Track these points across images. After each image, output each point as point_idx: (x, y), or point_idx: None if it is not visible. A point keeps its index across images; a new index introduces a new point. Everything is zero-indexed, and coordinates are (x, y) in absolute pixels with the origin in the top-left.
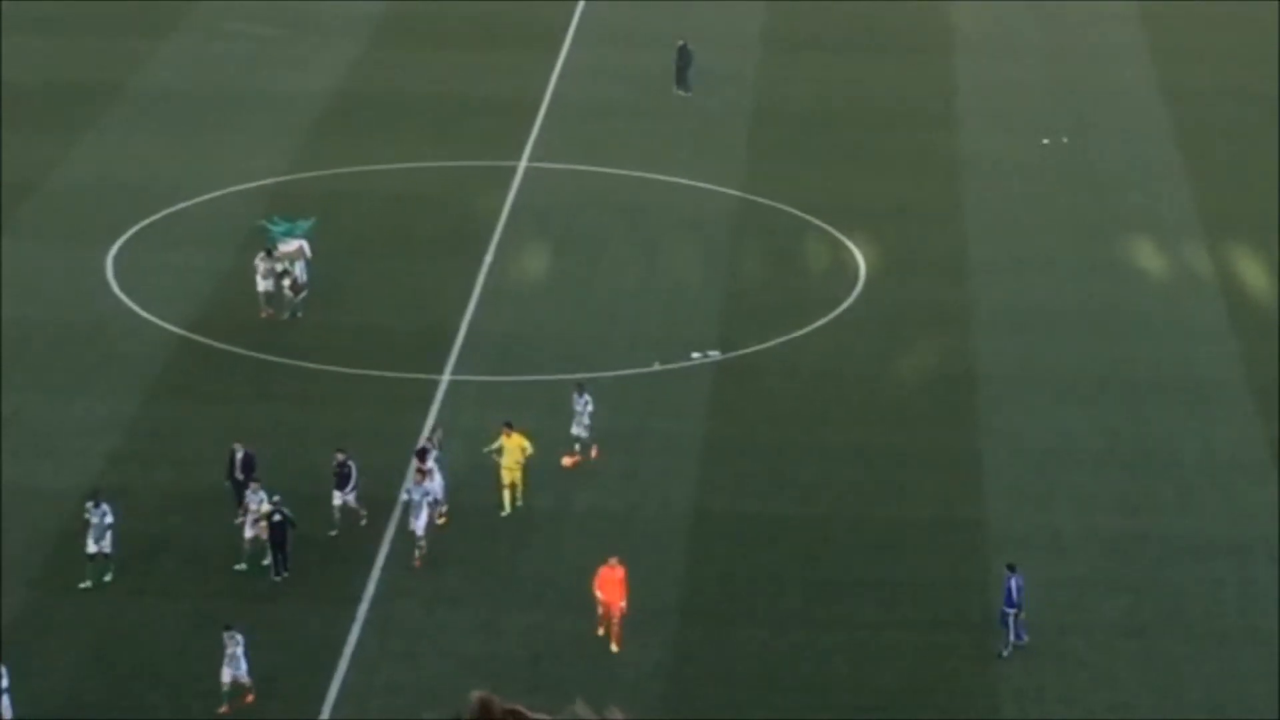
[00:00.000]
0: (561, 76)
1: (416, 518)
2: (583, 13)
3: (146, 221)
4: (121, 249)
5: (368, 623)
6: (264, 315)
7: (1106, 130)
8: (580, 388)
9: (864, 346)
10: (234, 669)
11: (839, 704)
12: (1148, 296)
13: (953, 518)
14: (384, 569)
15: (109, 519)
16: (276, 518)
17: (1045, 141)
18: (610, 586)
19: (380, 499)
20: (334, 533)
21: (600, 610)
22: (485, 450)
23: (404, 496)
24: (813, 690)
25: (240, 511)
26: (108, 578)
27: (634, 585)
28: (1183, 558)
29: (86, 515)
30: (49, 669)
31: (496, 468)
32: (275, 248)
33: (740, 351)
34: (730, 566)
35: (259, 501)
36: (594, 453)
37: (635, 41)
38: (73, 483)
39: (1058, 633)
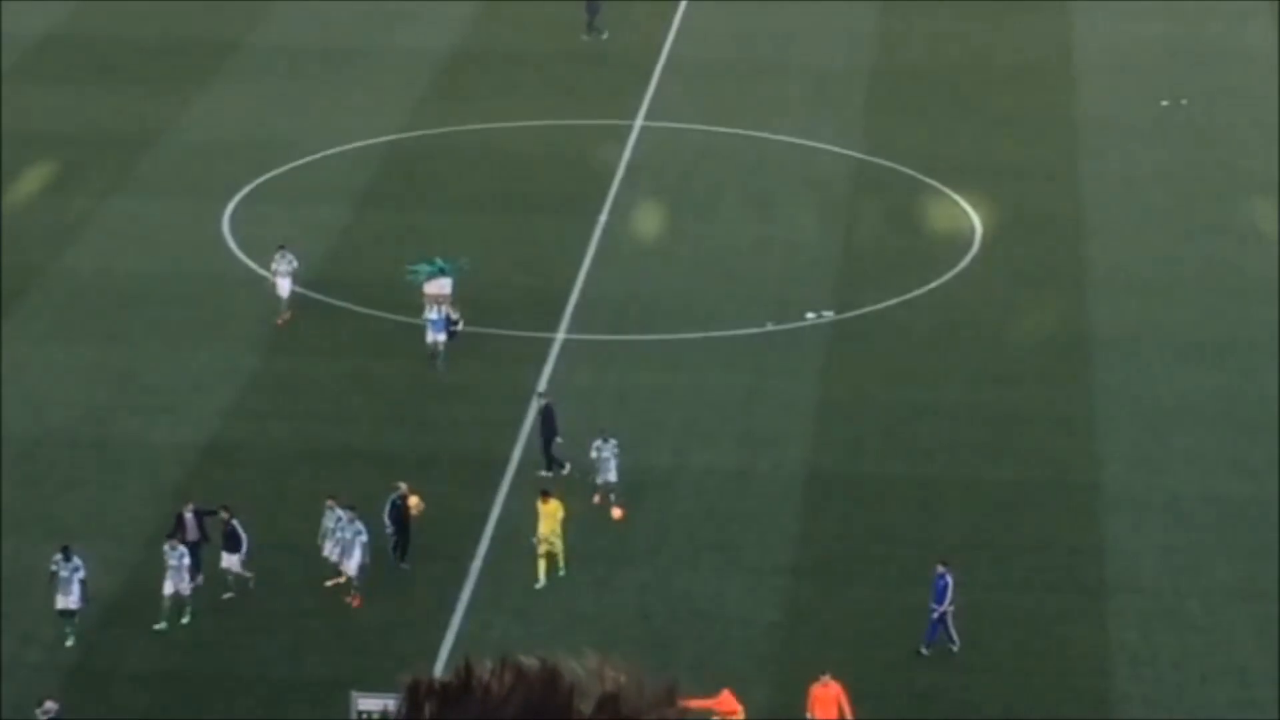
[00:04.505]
0: (678, 35)
1: (348, 557)
2: None
3: (264, 178)
4: (239, 205)
5: (481, 578)
6: (280, 322)
7: (1226, 91)
8: (603, 433)
9: (979, 307)
10: None
11: (951, 664)
12: (1266, 258)
13: (1068, 480)
14: (497, 525)
15: (80, 573)
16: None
17: (1164, 103)
18: (826, 707)
19: (494, 455)
20: (228, 595)
21: None
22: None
23: (338, 534)
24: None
25: (184, 571)
26: (71, 631)
27: (747, 546)
28: None
29: (54, 568)
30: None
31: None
32: (421, 283)
33: (855, 312)
34: (843, 526)
35: (178, 557)
36: (597, 498)
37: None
38: (190, 437)
39: (1174, 596)
